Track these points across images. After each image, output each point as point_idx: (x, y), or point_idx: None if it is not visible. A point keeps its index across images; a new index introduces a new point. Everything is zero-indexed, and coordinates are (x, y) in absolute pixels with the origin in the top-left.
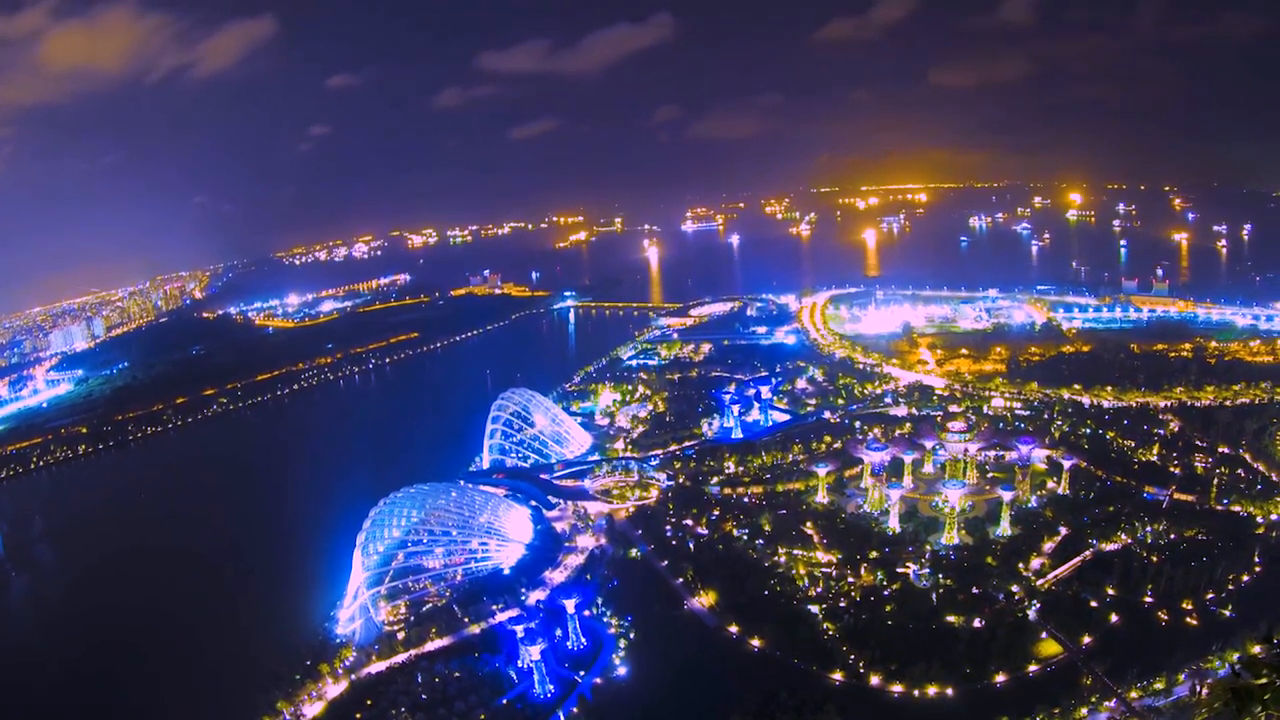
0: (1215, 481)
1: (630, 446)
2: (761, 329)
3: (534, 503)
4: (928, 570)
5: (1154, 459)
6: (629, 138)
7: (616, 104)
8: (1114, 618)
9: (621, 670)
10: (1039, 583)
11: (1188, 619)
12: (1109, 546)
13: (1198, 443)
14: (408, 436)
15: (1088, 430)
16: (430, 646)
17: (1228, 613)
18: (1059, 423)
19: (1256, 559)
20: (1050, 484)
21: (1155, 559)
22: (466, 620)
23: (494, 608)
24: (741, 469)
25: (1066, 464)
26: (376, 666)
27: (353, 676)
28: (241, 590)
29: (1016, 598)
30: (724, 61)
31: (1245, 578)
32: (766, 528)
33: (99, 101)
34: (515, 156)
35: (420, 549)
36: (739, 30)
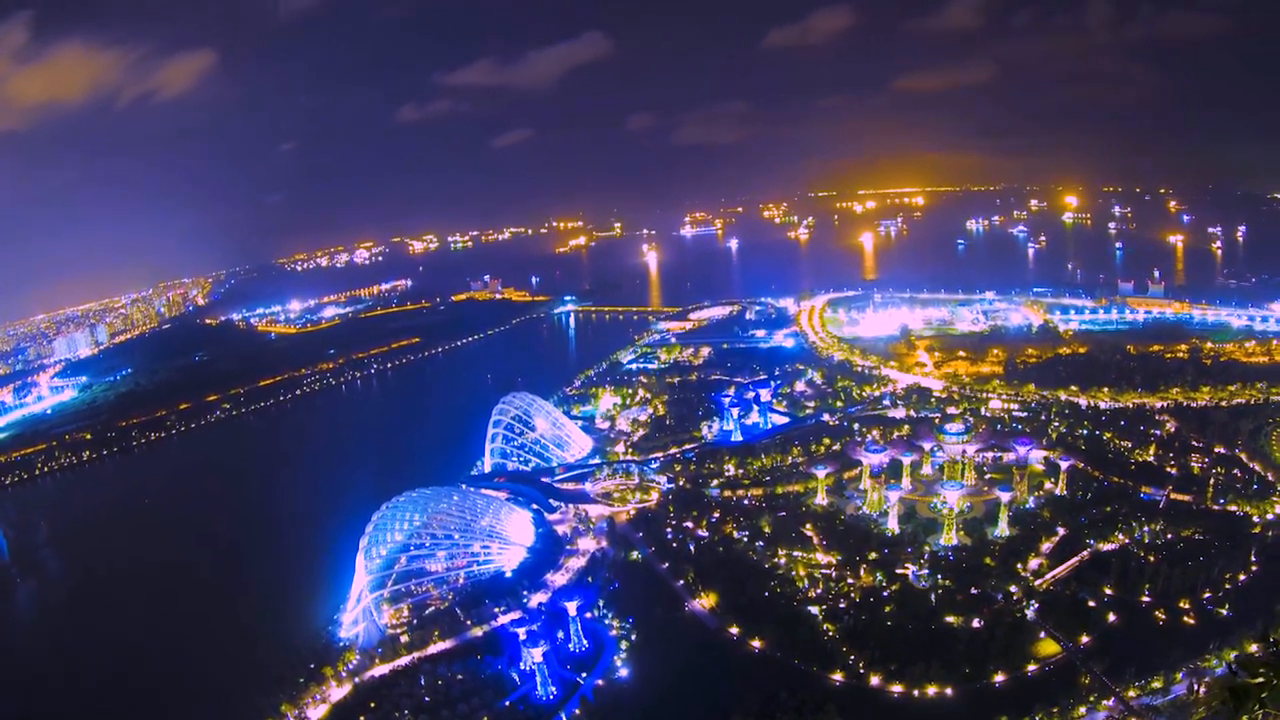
0: (1211, 481)
1: (631, 450)
2: (760, 332)
3: (535, 506)
4: (927, 571)
5: (1151, 459)
6: (606, 144)
7: (578, 113)
8: (1112, 617)
9: (623, 672)
10: (1037, 583)
11: (1185, 618)
12: (1106, 546)
13: (1194, 443)
14: (410, 441)
15: (1085, 431)
16: (433, 649)
17: (1225, 612)
18: (1056, 424)
19: (1253, 558)
20: (1048, 485)
21: (1152, 559)
22: (469, 623)
23: (496, 610)
24: (741, 471)
25: (1064, 465)
26: (380, 669)
27: (356, 679)
28: (245, 594)
29: (1015, 598)
30: (670, 73)
31: (1242, 577)
32: (766, 530)
33: (105, 119)
34: (502, 162)
35: (423, 552)
36: (679, 42)
